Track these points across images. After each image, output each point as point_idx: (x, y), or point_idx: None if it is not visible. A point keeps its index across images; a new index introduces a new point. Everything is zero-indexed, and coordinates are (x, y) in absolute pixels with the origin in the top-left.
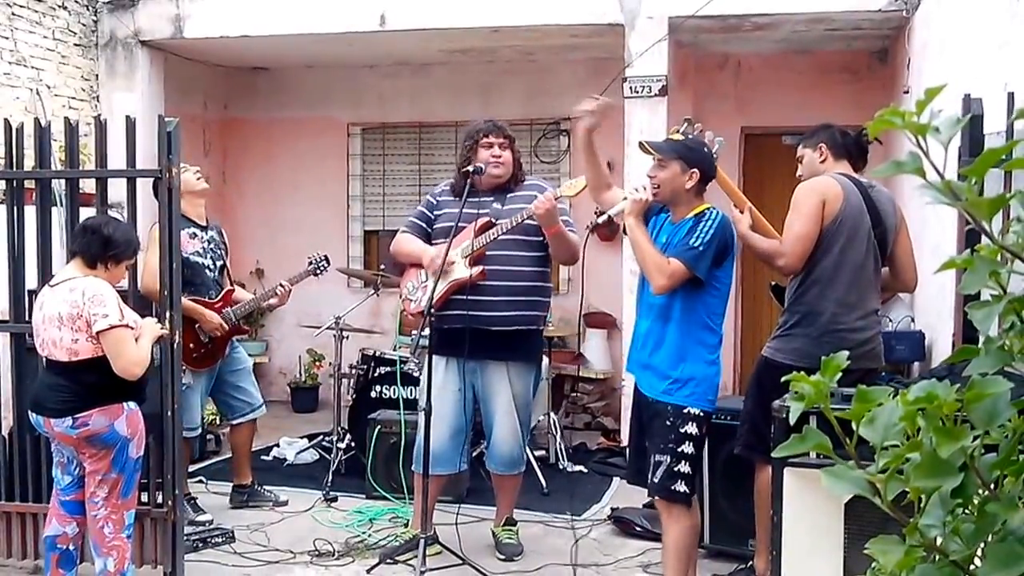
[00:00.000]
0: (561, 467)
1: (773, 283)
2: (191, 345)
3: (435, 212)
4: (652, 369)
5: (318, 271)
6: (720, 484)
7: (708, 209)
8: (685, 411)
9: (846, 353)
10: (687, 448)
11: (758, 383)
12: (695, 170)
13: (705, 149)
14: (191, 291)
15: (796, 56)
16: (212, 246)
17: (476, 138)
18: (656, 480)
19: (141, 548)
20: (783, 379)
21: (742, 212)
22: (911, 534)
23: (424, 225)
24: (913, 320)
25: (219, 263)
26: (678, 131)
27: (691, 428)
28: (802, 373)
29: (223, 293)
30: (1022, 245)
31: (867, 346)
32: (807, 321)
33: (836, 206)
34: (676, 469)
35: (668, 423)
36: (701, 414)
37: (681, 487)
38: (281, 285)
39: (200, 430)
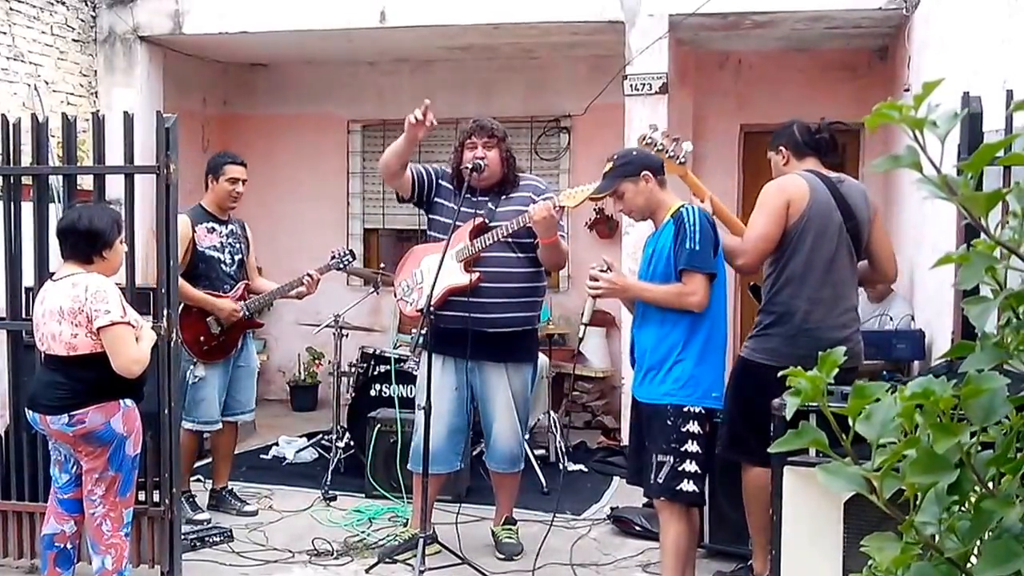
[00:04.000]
0: (561, 466)
1: (752, 283)
2: (202, 338)
3: (434, 196)
4: (653, 373)
5: (342, 264)
6: (720, 483)
7: (681, 209)
8: (686, 410)
9: (843, 349)
10: (691, 447)
11: (736, 384)
12: (644, 173)
13: (634, 152)
14: (205, 284)
15: (796, 54)
16: (231, 240)
17: (462, 139)
18: (660, 481)
19: (138, 547)
20: (779, 375)
21: (703, 202)
22: (907, 531)
23: (424, 173)
24: (913, 318)
25: (237, 257)
26: (645, 138)
27: (693, 427)
28: (799, 368)
29: (238, 286)
30: (1018, 240)
31: (844, 345)
32: (781, 321)
33: (802, 205)
34: (681, 469)
35: (669, 423)
36: (703, 412)
37: (688, 486)
38: (309, 274)
39: (219, 424)
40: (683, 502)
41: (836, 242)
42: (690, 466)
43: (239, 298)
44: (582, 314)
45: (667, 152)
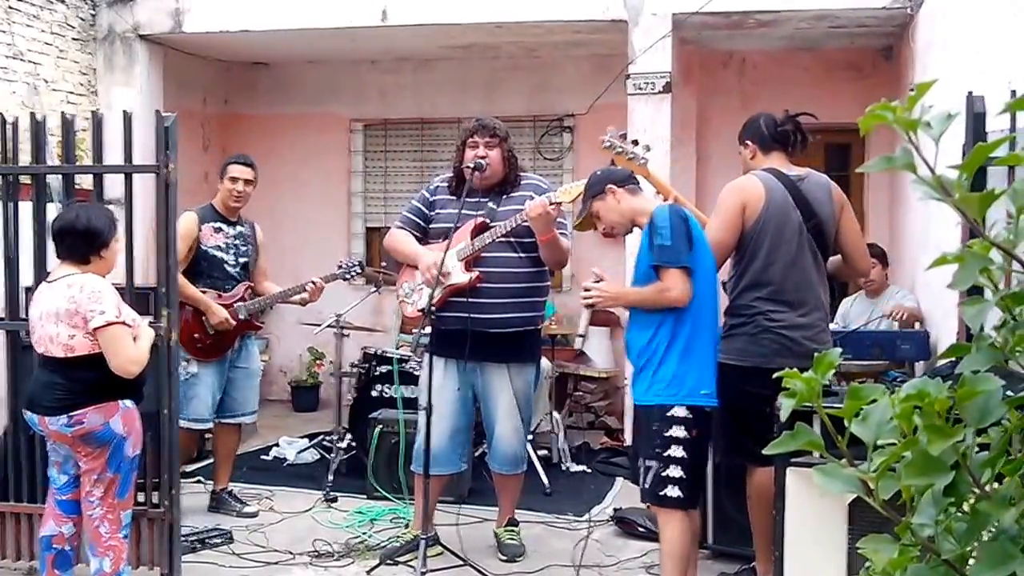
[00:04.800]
0: (564, 467)
1: (723, 280)
2: (196, 335)
3: (432, 211)
4: (643, 374)
5: (348, 276)
6: (723, 485)
7: (655, 211)
8: (669, 414)
9: (839, 350)
10: (675, 452)
11: (717, 389)
12: (608, 187)
13: (598, 172)
14: (207, 283)
15: (801, 53)
16: (238, 242)
17: (464, 138)
18: (647, 486)
19: (137, 549)
20: (775, 375)
21: (667, 200)
22: (903, 533)
23: (419, 220)
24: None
25: (242, 260)
26: (603, 143)
27: (677, 431)
28: (795, 370)
29: (238, 287)
30: (1013, 241)
31: (809, 344)
32: (745, 322)
33: (758, 207)
34: (665, 474)
35: (654, 427)
36: (688, 414)
37: (672, 492)
38: (313, 282)
39: (211, 423)
40: (669, 507)
41: (796, 243)
42: (674, 471)
43: (239, 299)
44: (579, 325)
45: (626, 154)
